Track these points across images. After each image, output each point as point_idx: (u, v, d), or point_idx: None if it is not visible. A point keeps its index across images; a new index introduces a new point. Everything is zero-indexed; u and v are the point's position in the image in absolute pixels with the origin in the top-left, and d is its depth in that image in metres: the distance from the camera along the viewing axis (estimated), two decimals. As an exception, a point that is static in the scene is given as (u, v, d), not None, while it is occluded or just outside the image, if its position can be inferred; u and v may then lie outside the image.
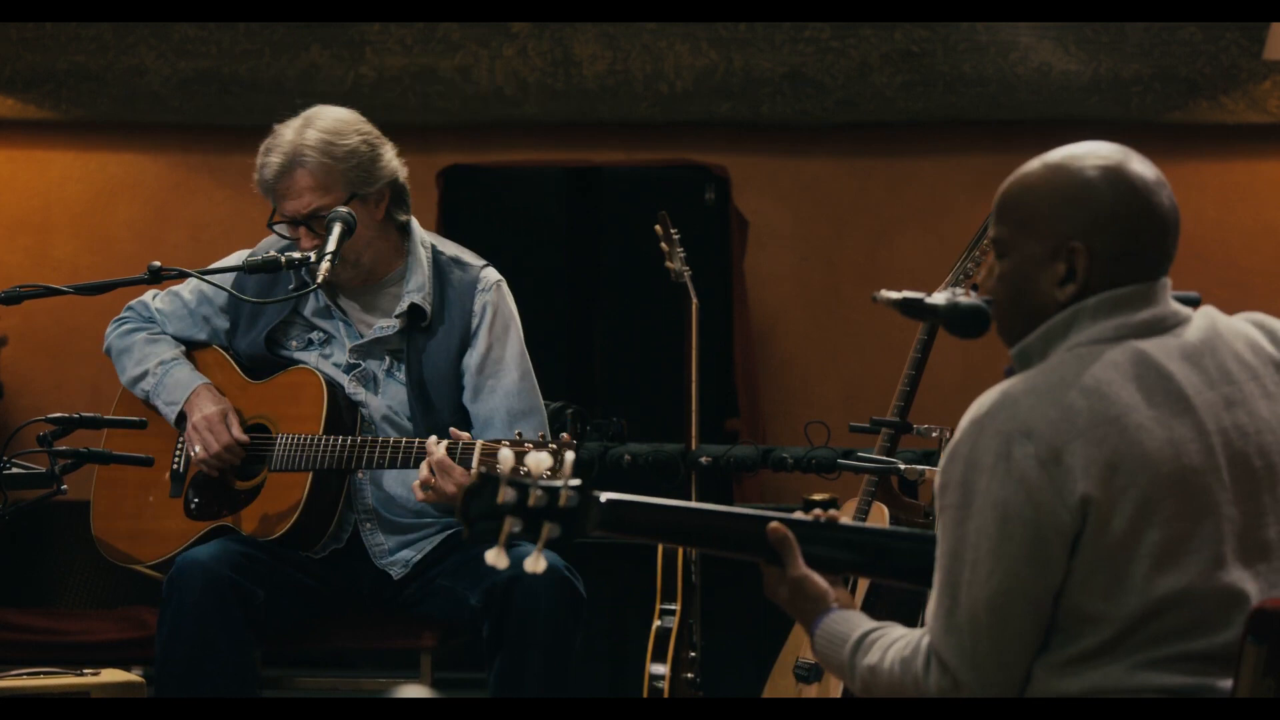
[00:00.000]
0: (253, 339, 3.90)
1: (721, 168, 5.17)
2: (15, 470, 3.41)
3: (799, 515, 2.57)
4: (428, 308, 3.82)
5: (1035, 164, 2.44)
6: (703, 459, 4.20)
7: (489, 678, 3.72)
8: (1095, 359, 2.34)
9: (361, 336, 3.87)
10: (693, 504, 2.63)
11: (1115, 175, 2.38)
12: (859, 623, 2.48)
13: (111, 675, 3.65)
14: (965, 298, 2.57)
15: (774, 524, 2.52)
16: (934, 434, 3.83)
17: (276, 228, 3.81)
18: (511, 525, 2.38)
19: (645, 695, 4.00)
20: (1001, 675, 2.32)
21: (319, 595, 3.84)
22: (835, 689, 3.73)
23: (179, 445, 3.89)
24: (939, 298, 2.60)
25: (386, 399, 3.84)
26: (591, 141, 5.50)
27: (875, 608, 3.48)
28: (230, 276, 3.84)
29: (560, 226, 5.13)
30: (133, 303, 4.01)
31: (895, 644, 2.41)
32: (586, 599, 3.73)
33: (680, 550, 4.00)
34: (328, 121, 3.79)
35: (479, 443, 3.56)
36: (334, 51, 5.46)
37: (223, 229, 5.51)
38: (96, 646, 4.58)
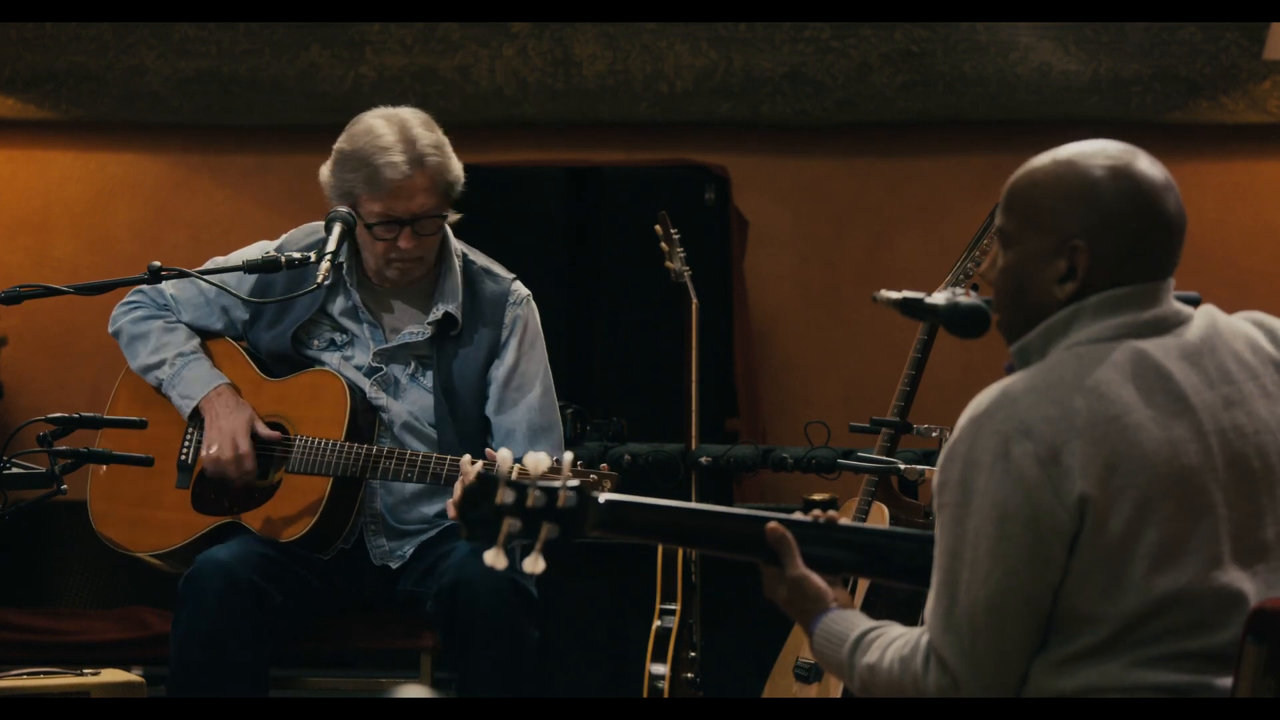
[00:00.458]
0: (278, 334, 3.87)
1: (721, 168, 5.16)
2: (15, 470, 3.41)
3: (798, 516, 2.57)
4: (460, 316, 3.83)
5: (1045, 158, 2.43)
6: (703, 459, 4.20)
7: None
8: (1095, 358, 2.34)
9: (387, 340, 3.87)
10: (692, 504, 2.63)
11: (1122, 175, 2.38)
12: (857, 622, 2.48)
13: (111, 675, 3.65)
14: (965, 298, 2.57)
15: (772, 524, 2.52)
16: (934, 434, 3.83)
17: (375, 228, 3.73)
18: (510, 526, 2.38)
19: (645, 695, 4.00)
20: (1000, 674, 2.32)
21: (325, 596, 3.84)
22: (835, 689, 3.73)
23: (187, 435, 3.86)
24: (939, 298, 2.60)
25: (408, 404, 3.83)
26: (591, 141, 5.50)
27: (875, 608, 3.48)
28: (244, 274, 3.76)
29: (560, 226, 5.13)
30: (144, 286, 3.91)
31: (894, 643, 2.41)
32: (538, 598, 3.73)
33: (680, 550, 4.01)
34: (428, 124, 3.77)
35: (515, 465, 3.56)
36: (334, 51, 5.45)
37: (223, 229, 5.50)
38: (96, 646, 4.58)
